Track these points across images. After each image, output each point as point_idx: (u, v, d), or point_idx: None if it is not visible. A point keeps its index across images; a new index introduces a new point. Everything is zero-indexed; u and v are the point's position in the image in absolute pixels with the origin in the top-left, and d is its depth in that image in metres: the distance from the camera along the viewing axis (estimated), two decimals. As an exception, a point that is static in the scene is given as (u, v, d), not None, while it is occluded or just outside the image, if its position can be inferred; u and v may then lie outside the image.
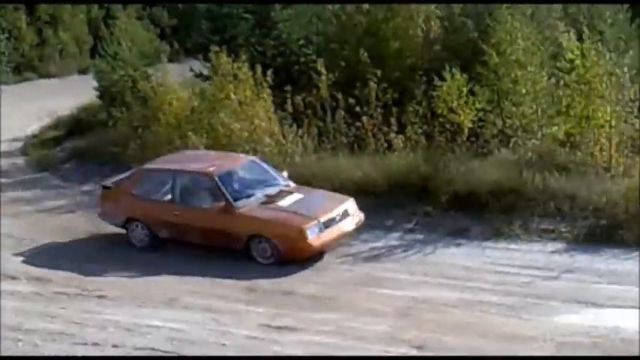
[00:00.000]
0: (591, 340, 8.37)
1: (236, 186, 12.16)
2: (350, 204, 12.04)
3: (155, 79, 17.68)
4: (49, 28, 30.98)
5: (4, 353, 8.71)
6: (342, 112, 15.20)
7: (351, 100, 15.15)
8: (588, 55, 13.42)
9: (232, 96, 15.38)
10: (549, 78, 14.34)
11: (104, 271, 11.53)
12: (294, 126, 15.26)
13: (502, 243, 11.68)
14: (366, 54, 15.66)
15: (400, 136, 14.54)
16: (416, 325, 9.00)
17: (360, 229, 12.08)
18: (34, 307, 10.02)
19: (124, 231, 12.79)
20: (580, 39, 13.64)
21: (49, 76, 29.79)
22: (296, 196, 12.02)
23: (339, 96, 15.26)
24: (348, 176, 13.55)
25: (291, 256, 11.35)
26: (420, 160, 13.74)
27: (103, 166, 16.38)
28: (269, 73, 15.57)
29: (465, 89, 14.20)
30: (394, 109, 14.92)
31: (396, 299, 9.93)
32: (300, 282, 10.75)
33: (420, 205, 12.83)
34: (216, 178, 12.00)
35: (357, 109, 15.01)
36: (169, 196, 12.45)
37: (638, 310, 8.89)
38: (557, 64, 14.08)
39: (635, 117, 13.46)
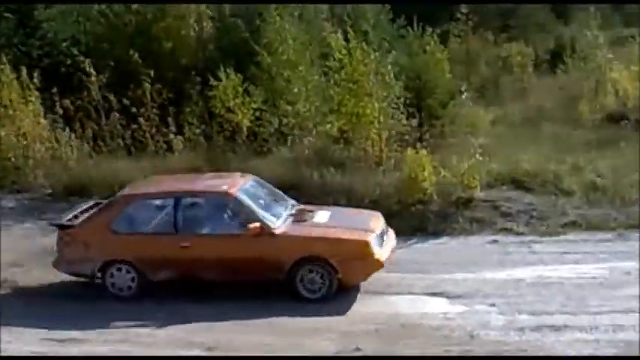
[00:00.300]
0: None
1: (258, 205, 9.91)
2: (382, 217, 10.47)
3: None
4: None
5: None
6: (117, 114, 14.89)
7: (126, 102, 14.89)
8: (355, 55, 14.07)
9: (-5, 100, 14.59)
10: (320, 77, 14.92)
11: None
12: (67, 130, 14.73)
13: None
14: (137, 54, 15.42)
15: (179, 137, 14.51)
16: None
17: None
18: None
19: (87, 280, 10.04)
20: (347, 39, 14.27)
21: None
22: (325, 213, 10.19)
23: (112, 97, 14.93)
24: (128, 180, 13.27)
25: (351, 279, 9.52)
26: (200, 161, 13.78)
27: None
28: (36, 74, 14.93)
29: (240, 89, 14.44)
30: (171, 110, 14.85)
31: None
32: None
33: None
34: (239, 197, 9.77)
35: (133, 110, 14.77)
36: (168, 226, 9.80)
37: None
38: (327, 63, 14.66)
39: (402, 113, 14.31)
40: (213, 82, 14.43)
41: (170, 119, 14.63)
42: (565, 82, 18.05)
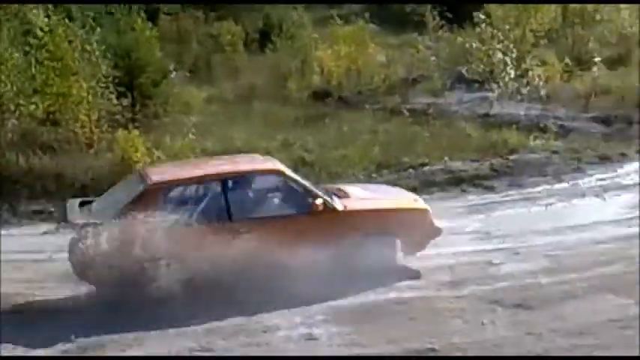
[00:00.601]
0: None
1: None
2: None
3: None
4: None
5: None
6: None
7: None
8: (57, 32, 13.47)
9: None
10: (22, 55, 14.06)
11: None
12: None
13: (-8, 230, 11.16)
14: None
15: None
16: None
17: None
18: None
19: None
20: (49, 15, 13.60)
21: None
22: (356, 188, 9.63)
23: None
24: None
25: (413, 248, 9.05)
26: None
27: None
28: None
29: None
30: None
31: None
32: None
33: None
34: (290, 174, 8.91)
35: None
36: (219, 214, 8.51)
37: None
38: (29, 40, 13.88)
39: (112, 93, 13.92)
40: None
41: None
42: (274, 60, 18.58)
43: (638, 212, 10.94)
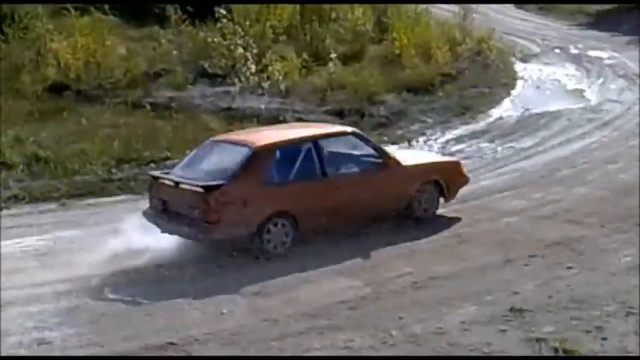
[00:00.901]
0: None
1: None
2: None
3: None
4: None
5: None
6: None
7: None
8: None
9: None
10: None
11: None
12: None
13: None
14: None
15: None
16: None
17: None
18: None
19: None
20: None
21: None
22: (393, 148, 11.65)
23: None
24: None
25: (451, 195, 10.70)
26: None
27: None
28: None
29: None
30: None
31: None
32: None
33: None
34: (364, 136, 10.49)
35: None
36: (315, 172, 9.62)
37: None
38: None
39: None
40: None
41: None
42: (6, 52, 17.51)
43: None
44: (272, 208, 9.27)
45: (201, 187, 9.03)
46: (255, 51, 17.56)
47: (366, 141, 10.33)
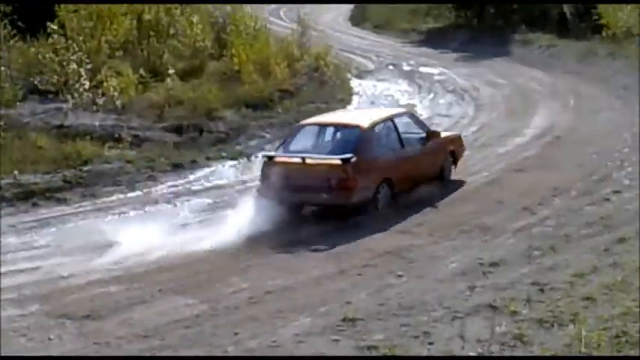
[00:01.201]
0: None
1: None
2: None
3: None
4: None
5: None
6: None
7: None
8: None
9: None
10: None
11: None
12: None
13: None
14: None
15: None
16: None
17: None
18: None
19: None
20: None
21: None
22: None
23: None
24: None
25: (458, 161, 13.12)
26: None
27: None
28: None
29: None
30: None
31: None
32: None
33: None
34: (414, 114, 13.72)
35: None
36: (397, 145, 11.91)
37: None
38: None
39: None
40: None
41: None
42: None
43: (205, 215, 11.54)
44: (381, 175, 11.35)
45: (340, 159, 10.88)
46: (89, 66, 17.13)
47: (416, 119, 13.05)
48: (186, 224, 11.18)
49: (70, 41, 17.75)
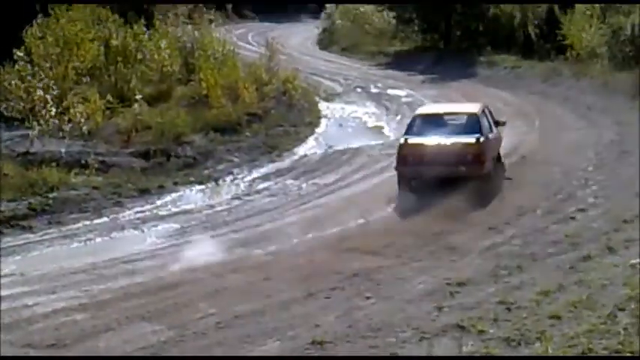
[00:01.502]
0: None
1: None
2: None
3: None
4: None
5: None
6: None
7: None
8: None
9: None
10: None
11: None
12: None
13: None
14: None
15: None
16: None
17: None
18: None
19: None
20: None
21: None
22: None
23: None
24: None
25: None
26: None
27: None
28: None
29: None
30: None
31: None
32: None
33: None
34: (489, 108, 14.99)
35: None
36: (491, 129, 13.96)
37: None
38: None
39: None
40: None
41: None
42: None
43: (173, 241, 11.48)
44: (492, 153, 13.53)
45: (475, 139, 13.02)
46: (55, 93, 17.03)
47: (490, 111, 14.42)
48: (153, 250, 11.10)
49: (36, 68, 17.66)
